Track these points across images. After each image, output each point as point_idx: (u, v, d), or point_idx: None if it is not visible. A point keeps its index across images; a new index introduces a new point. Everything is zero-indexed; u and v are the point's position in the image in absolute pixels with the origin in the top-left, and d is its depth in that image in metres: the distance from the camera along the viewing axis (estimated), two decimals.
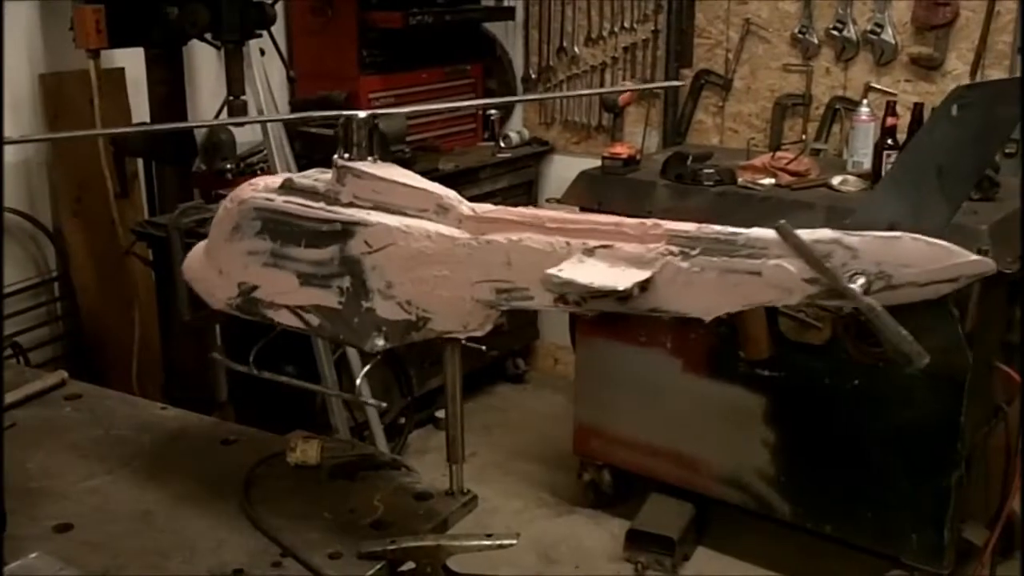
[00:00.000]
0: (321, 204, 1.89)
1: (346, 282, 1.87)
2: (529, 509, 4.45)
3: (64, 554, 1.78)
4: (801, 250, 1.52)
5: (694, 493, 4.11)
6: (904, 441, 3.56)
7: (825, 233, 1.54)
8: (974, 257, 1.51)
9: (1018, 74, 4.12)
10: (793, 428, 3.82)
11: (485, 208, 1.80)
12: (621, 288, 1.57)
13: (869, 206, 1.62)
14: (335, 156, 1.92)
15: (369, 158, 1.91)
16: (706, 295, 1.62)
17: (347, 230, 1.86)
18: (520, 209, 1.77)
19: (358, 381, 2.04)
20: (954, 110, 1.57)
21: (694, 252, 1.63)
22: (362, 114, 1.91)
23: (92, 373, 3.86)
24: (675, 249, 1.65)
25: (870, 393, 3.60)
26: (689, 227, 1.65)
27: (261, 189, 1.98)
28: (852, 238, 1.51)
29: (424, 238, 1.79)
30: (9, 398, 2.33)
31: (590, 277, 1.60)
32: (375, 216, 1.85)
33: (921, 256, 1.50)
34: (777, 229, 1.53)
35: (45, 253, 4.36)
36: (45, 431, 2.31)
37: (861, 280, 1.51)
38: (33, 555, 1.73)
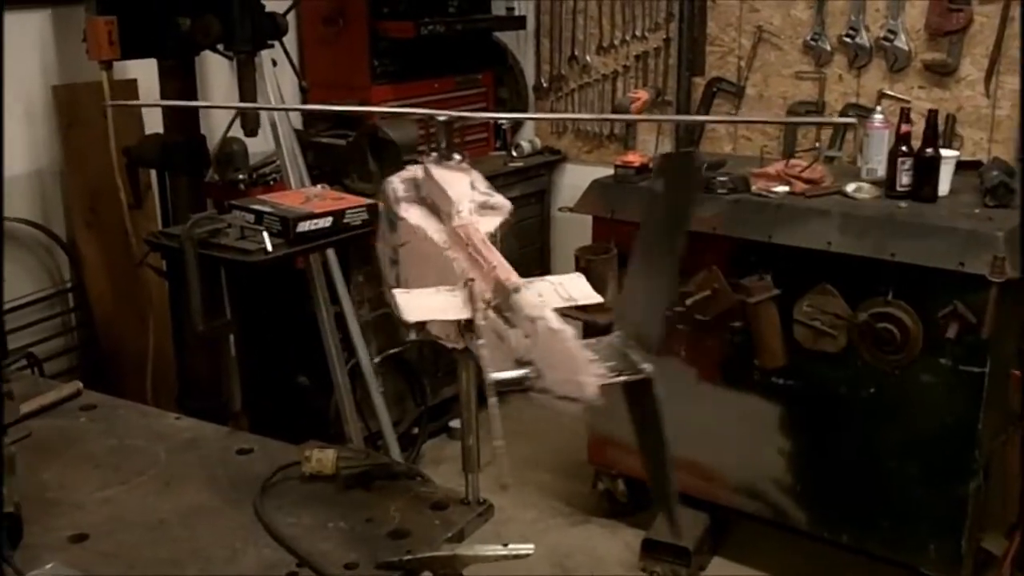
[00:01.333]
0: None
1: (394, 270, 1.96)
2: (544, 519, 4.44)
3: (80, 564, 1.77)
4: None
5: (709, 502, 4.09)
6: (921, 449, 3.54)
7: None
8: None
9: None
10: (809, 437, 3.81)
11: (457, 222, 1.79)
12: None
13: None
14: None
15: (456, 157, 1.94)
16: None
17: (394, 222, 1.93)
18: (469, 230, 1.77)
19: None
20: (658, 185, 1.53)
21: None
22: (441, 117, 1.93)
23: (106, 383, 3.87)
24: None
25: (886, 401, 3.58)
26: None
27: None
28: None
29: (424, 239, 1.81)
30: (24, 408, 2.33)
31: None
32: (406, 211, 1.90)
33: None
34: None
35: (59, 264, 4.37)
36: (60, 441, 2.30)
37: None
38: (49, 566, 1.73)
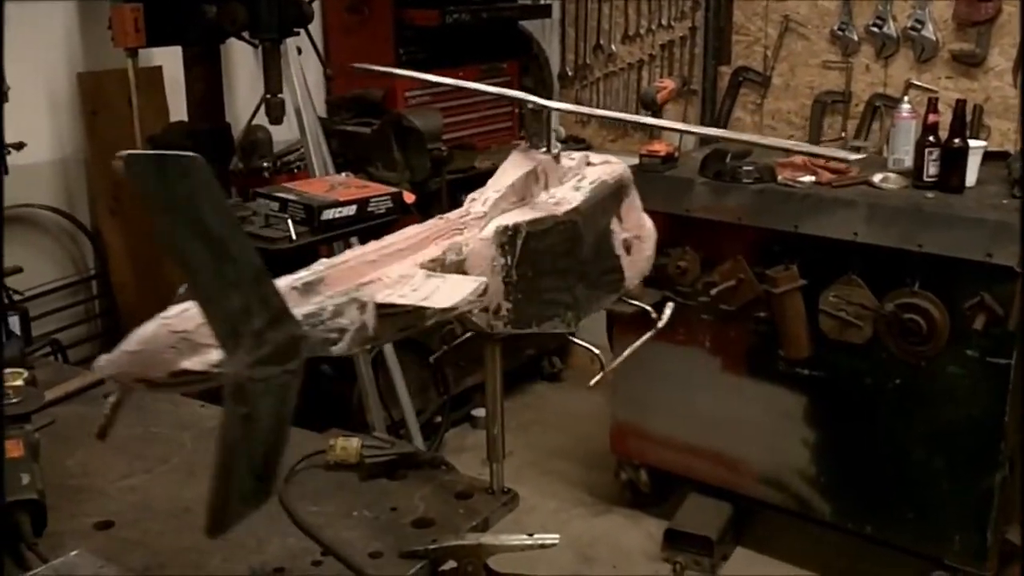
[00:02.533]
0: None
1: None
2: (566, 508, 4.43)
3: (105, 551, 1.77)
4: None
5: (733, 493, 4.09)
6: (947, 441, 3.52)
7: None
8: None
9: None
10: (834, 428, 3.79)
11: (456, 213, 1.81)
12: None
13: None
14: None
15: (556, 145, 2.00)
16: None
17: None
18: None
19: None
20: None
21: None
22: (530, 104, 2.02)
23: None
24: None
25: (912, 392, 3.56)
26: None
27: None
28: None
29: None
30: (49, 395, 2.34)
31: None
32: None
33: None
34: None
35: (83, 251, 4.38)
36: (85, 429, 2.29)
37: None
38: (74, 553, 1.72)
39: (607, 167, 2.03)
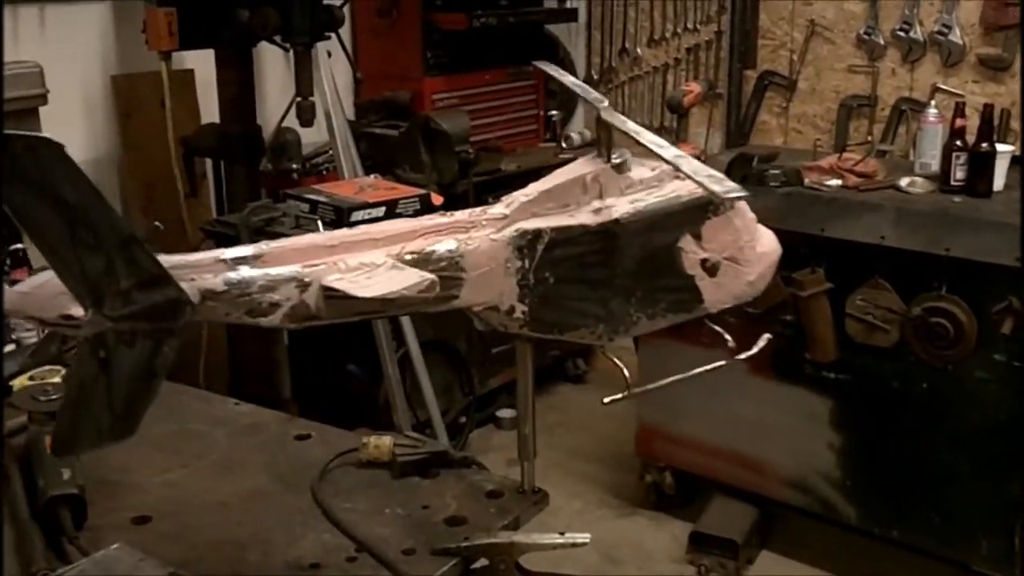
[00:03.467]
0: None
1: None
2: (591, 510, 4.45)
3: (143, 545, 1.79)
4: None
5: (758, 496, 4.09)
6: (973, 445, 3.52)
7: None
8: None
9: None
10: (860, 431, 3.79)
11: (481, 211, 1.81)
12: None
13: None
14: None
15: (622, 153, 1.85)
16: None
17: None
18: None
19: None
20: None
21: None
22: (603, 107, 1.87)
23: None
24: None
25: (939, 396, 3.56)
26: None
27: None
28: None
29: None
30: None
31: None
32: None
33: None
34: None
35: None
36: None
37: None
38: (114, 546, 1.75)
39: (708, 184, 1.75)
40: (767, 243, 1.99)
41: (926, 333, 3.48)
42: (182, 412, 2.40)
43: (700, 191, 1.75)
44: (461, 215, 1.81)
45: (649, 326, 1.91)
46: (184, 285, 1.51)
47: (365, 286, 1.61)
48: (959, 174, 3.67)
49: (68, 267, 1.41)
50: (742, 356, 2.07)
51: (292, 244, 1.64)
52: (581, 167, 1.82)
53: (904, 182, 3.77)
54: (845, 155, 4.01)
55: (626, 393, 2.00)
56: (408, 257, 1.71)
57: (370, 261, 1.68)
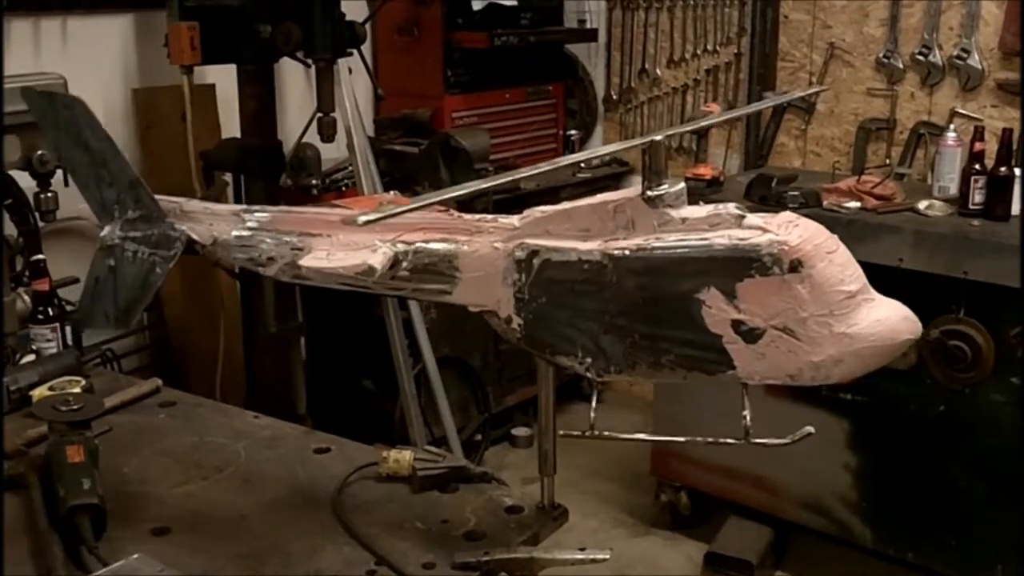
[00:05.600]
0: None
1: None
2: (605, 529, 4.45)
3: (162, 556, 1.80)
4: None
5: (773, 517, 4.09)
6: (990, 468, 3.52)
7: None
8: None
9: None
10: (876, 453, 3.79)
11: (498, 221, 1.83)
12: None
13: None
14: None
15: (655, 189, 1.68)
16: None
17: None
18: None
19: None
20: None
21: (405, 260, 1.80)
22: (658, 136, 1.70)
23: (177, 382, 3.92)
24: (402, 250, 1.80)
25: (956, 419, 3.56)
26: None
27: None
28: None
29: None
30: (107, 403, 2.37)
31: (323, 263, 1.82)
32: None
33: None
34: None
35: None
36: (141, 437, 2.35)
37: None
38: (134, 556, 1.76)
39: (749, 233, 1.61)
40: (869, 327, 1.65)
41: (943, 356, 3.48)
42: (202, 425, 2.41)
43: (744, 244, 1.59)
44: (470, 218, 1.84)
45: (653, 375, 1.75)
46: (202, 228, 1.90)
47: (319, 258, 1.81)
48: (977, 197, 3.67)
49: (92, 195, 1.92)
50: (760, 441, 1.83)
51: (300, 214, 1.88)
52: (616, 194, 1.74)
53: (923, 205, 3.77)
54: (864, 177, 4.02)
55: (586, 433, 1.90)
56: (400, 246, 1.78)
57: (361, 241, 1.80)
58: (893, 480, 3.77)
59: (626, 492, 4.69)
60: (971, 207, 3.69)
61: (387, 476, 2.11)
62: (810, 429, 1.82)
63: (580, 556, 1.80)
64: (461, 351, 4.75)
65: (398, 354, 4.15)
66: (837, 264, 1.62)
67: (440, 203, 1.76)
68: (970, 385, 3.49)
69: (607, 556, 1.80)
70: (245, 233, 1.88)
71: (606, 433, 1.89)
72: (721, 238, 1.61)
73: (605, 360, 1.75)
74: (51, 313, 2.88)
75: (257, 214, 1.92)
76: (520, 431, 5.16)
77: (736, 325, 1.64)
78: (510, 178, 1.79)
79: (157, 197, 1.94)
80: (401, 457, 2.10)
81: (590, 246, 1.71)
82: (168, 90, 4.15)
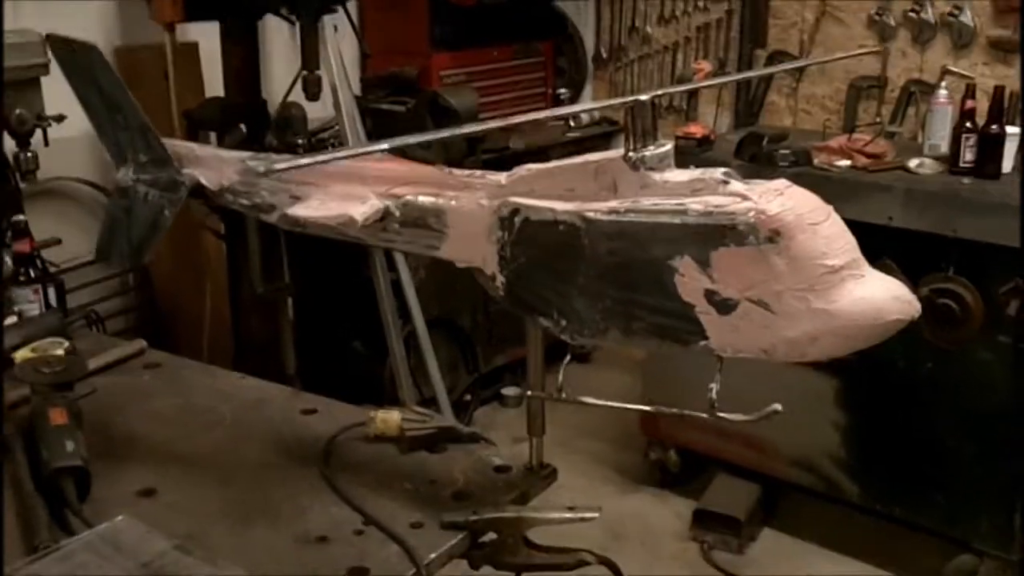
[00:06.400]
0: None
1: None
2: (595, 487, 4.45)
3: (148, 518, 1.78)
4: None
5: (762, 474, 4.10)
6: (978, 426, 3.53)
7: None
8: None
9: None
10: (865, 411, 3.80)
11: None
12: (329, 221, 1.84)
13: None
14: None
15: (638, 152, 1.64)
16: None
17: None
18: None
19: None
20: None
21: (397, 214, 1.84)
22: (644, 96, 1.66)
23: (164, 344, 3.90)
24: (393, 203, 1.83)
25: (944, 376, 3.56)
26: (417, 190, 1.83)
27: None
28: None
29: None
30: (90, 365, 2.36)
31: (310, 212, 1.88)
32: None
33: None
34: None
35: None
36: (126, 398, 2.33)
37: None
38: (119, 518, 1.75)
39: (728, 200, 1.55)
40: (851, 304, 1.54)
41: (933, 314, 3.47)
42: (187, 386, 2.40)
43: (720, 211, 1.53)
44: (460, 174, 1.84)
45: (625, 341, 1.71)
46: (211, 174, 1.97)
47: (308, 207, 1.87)
48: (968, 156, 3.65)
49: (108, 139, 2.02)
50: (724, 416, 1.76)
51: (299, 164, 1.86)
52: (600, 155, 1.71)
53: (913, 163, 3.75)
54: (854, 136, 4.00)
55: (553, 395, 1.94)
56: (390, 200, 1.82)
57: (355, 193, 1.85)
58: (881, 437, 3.77)
59: (616, 450, 4.69)
60: (962, 165, 3.66)
61: (375, 437, 2.10)
62: (777, 407, 1.70)
63: (569, 515, 1.80)
64: (450, 312, 4.73)
65: (387, 315, 4.13)
66: (822, 236, 1.53)
67: (371, 153, 1.88)
68: (959, 343, 3.48)
69: (596, 515, 1.79)
70: (250, 178, 1.95)
71: (577, 398, 1.92)
72: (697, 204, 1.56)
73: (579, 323, 1.72)
74: (33, 275, 2.85)
75: (261, 163, 1.97)
76: (510, 391, 5.12)
77: (709, 295, 1.58)
78: (471, 130, 1.86)
79: (173, 141, 2.05)
80: (389, 418, 2.09)
81: (567, 207, 1.68)
82: (151, 49, 4.09)
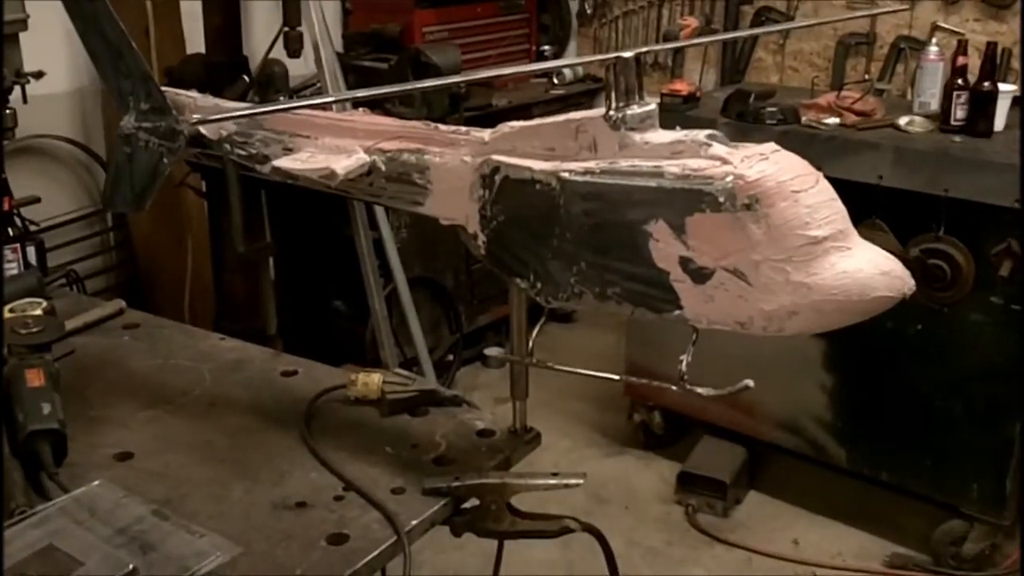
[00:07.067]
0: None
1: None
2: (579, 449, 4.43)
3: (125, 482, 1.76)
4: None
5: (747, 436, 4.08)
6: (967, 388, 3.51)
7: None
8: None
9: None
10: (852, 373, 3.78)
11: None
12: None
13: None
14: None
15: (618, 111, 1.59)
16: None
17: None
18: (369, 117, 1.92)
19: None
20: None
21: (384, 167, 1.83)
22: (627, 53, 1.61)
23: (145, 304, 3.86)
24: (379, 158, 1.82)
25: (933, 338, 3.54)
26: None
27: None
28: None
29: None
30: (68, 325, 2.32)
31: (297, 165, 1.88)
32: None
33: None
34: None
35: (99, 182, 4.35)
36: (104, 360, 2.30)
37: None
38: (96, 483, 1.72)
39: (706, 164, 1.49)
40: (833, 278, 1.47)
41: (923, 275, 3.44)
42: (166, 347, 2.36)
43: (696, 175, 1.48)
44: (446, 129, 1.82)
45: (600, 306, 1.66)
46: (214, 126, 2.00)
47: (295, 160, 1.88)
48: (959, 113, 3.61)
49: (112, 85, 2.03)
50: (694, 389, 1.75)
51: (293, 115, 1.93)
52: (580, 114, 1.65)
53: (903, 121, 3.71)
54: (843, 93, 3.95)
55: (521, 359, 1.95)
56: (376, 154, 1.82)
57: (344, 146, 1.85)
58: (869, 400, 3.75)
59: (599, 412, 4.67)
60: (953, 123, 3.62)
61: (355, 400, 2.06)
62: (749, 383, 1.66)
63: (553, 482, 1.77)
64: (433, 271, 4.69)
65: (369, 274, 4.09)
66: (805, 205, 1.46)
67: (342, 102, 2.04)
68: (949, 304, 3.45)
69: (580, 482, 1.76)
70: (246, 131, 1.98)
71: (547, 364, 1.93)
72: (675, 167, 1.50)
73: (554, 286, 1.68)
74: (11, 233, 2.81)
75: (254, 112, 2.08)
76: (493, 351, 5.12)
77: (684, 262, 1.52)
78: (452, 81, 1.85)
79: (175, 91, 2.05)
80: (370, 380, 2.05)
81: (544, 166, 1.64)
82: (130, 4, 4.02)
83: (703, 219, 1.48)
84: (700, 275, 1.52)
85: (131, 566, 1.49)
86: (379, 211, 4.14)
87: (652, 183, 1.52)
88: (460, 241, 1.81)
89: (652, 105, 1.61)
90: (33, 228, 3.85)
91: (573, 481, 1.77)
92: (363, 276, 4.09)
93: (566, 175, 1.61)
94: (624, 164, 1.56)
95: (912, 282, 1.52)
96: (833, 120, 3.75)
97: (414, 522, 1.70)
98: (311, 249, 4.47)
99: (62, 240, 4.13)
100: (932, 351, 3.55)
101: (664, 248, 1.53)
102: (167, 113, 1.98)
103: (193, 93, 2.06)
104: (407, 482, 1.79)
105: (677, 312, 1.59)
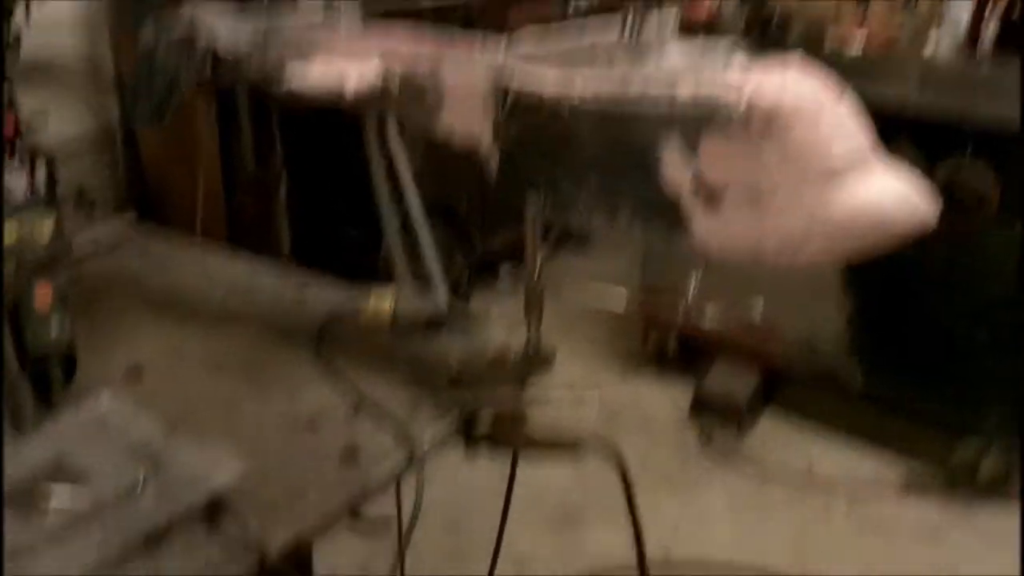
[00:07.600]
0: None
1: None
2: (593, 372, 4.40)
3: (135, 399, 1.73)
4: None
5: (763, 359, 4.05)
6: (989, 314, 3.47)
7: None
8: None
9: None
10: (871, 296, 3.74)
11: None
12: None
13: None
14: None
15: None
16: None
17: None
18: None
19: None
20: None
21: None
22: None
23: (155, 223, 3.84)
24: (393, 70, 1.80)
25: (956, 263, 3.49)
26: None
27: None
28: None
29: None
30: (77, 243, 2.30)
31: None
32: None
33: None
34: None
35: (107, 102, 4.31)
36: (113, 279, 2.27)
37: None
38: (105, 395, 1.69)
39: (722, 84, 1.42)
40: (850, 205, 1.42)
41: (948, 199, 3.38)
42: (176, 266, 2.34)
43: (710, 96, 1.41)
44: (461, 42, 1.80)
45: (610, 226, 1.62)
46: (228, 42, 1.99)
47: (312, 76, 1.88)
48: (989, 37, 3.53)
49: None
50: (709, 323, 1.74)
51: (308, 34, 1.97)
52: (599, 29, 1.70)
53: (931, 44, 3.63)
54: (868, 15, 3.87)
55: (533, 280, 1.92)
56: (391, 66, 1.80)
57: (359, 53, 1.85)
58: (887, 323, 3.72)
59: (614, 335, 4.64)
60: (982, 47, 3.55)
61: (369, 320, 2.03)
62: (753, 303, 1.66)
63: (568, 395, 1.74)
64: (447, 196, 4.64)
65: (382, 197, 4.04)
66: (824, 126, 1.41)
67: None
68: (974, 229, 3.40)
69: (595, 393, 1.73)
70: (261, 45, 1.99)
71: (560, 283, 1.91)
72: (687, 87, 1.44)
73: (562, 207, 1.66)
74: (17, 151, 2.78)
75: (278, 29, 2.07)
76: (506, 276, 5.10)
77: (695, 185, 1.48)
78: None
79: (195, 4, 2.09)
80: (383, 300, 2.03)
81: (558, 83, 1.60)
82: None
83: (716, 142, 1.43)
84: (711, 198, 1.48)
85: (142, 477, 1.47)
86: (393, 135, 4.09)
87: (665, 102, 1.47)
88: (474, 168, 1.77)
89: (669, 24, 1.59)
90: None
91: (588, 393, 1.74)
92: (376, 200, 4.05)
93: (579, 93, 1.56)
94: (638, 82, 1.51)
95: (932, 212, 1.46)
96: (858, 43, 3.68)
97: (428, 437, 1.69)
98: (323, 172, 4.43)
99: (70, 160, 4.10)
100: (954, 276, 3.51)
101: (675, 170, 1.49)
102: (184, 28, 2.01)
103: (212, 5, 2.08)
104: (420, 400, 1.77)
105: (687, 236, 1.53)
